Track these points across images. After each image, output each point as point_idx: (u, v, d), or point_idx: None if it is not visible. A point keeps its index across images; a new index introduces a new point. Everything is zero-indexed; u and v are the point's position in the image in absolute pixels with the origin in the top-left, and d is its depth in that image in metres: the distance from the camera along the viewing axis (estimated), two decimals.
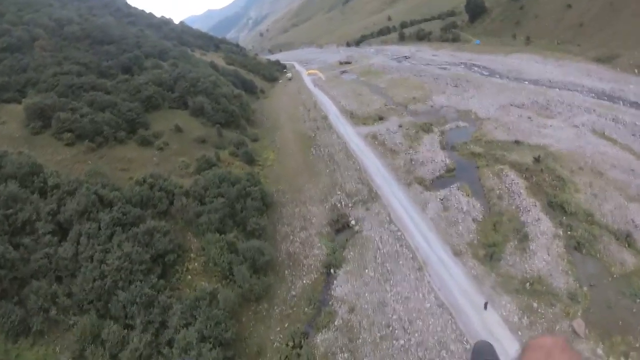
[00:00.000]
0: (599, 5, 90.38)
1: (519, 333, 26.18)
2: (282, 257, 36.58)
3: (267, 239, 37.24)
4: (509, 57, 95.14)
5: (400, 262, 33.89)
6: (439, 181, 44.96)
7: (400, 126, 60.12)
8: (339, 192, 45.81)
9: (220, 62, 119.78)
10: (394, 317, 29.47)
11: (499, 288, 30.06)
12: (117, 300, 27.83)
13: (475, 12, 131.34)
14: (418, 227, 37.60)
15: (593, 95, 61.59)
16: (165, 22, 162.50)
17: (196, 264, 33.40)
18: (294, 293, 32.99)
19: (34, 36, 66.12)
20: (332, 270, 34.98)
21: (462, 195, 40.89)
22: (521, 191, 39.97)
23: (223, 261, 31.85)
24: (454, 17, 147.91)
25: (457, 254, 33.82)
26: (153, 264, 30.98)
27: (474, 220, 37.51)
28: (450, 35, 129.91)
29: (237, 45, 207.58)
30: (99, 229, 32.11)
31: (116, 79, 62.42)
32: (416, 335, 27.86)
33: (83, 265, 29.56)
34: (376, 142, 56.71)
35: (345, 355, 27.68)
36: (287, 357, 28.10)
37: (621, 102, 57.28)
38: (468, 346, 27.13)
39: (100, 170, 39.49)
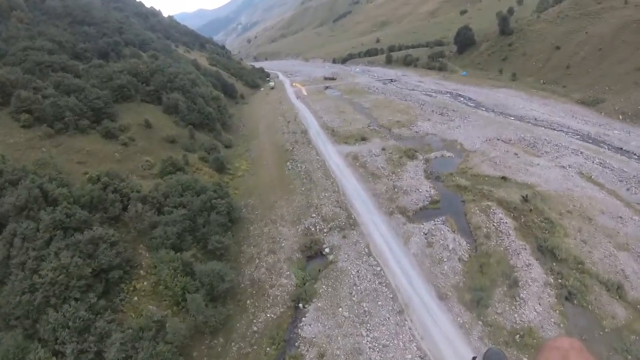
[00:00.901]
0: (588, 49, 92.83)
1: None
2: (245, 284, 32.28)
3: (229, 261, 33.02)
4: (495, 91, 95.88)
5: (379, 303, 30.39)
6: (423, 213, 42.18)
7: (383, 149, 57.61)
8: (314, 215, 42.14)
9: (203, 61, 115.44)
10: None
11: (487, 339, 27.12)
12: (46, 320, 23.13)
13: (464, 43, 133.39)
14: (400, 263, 34.36)
15: (578, 137, 61.58)
16: (154, 14, 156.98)
17: (145, 283, 28.76)
18: (255, 328, 28.72)
19: (12, 5, 60.56)
20: (301, 305, 31.00)
21: (448, 231, 38.20)
22: (510, 232, 37.70)
23: (176, 285, 27.48)
24: (442, 47, 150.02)
25: (442, 297, 30.73)
26: (94, 280, 26.51)
27: (459, 259, 34.75)
28: (437, 64, 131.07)
29: (223, 48, 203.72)
30: (37, 230, 27.07)
31: (89, 62, 57.41)
32: None
33: (13, 273, 24.79)
34: (357, 164, 53.73)
35: None
36: None
37: (606, 147, 57.26)
38: None
39: (52, 160, 34.46)
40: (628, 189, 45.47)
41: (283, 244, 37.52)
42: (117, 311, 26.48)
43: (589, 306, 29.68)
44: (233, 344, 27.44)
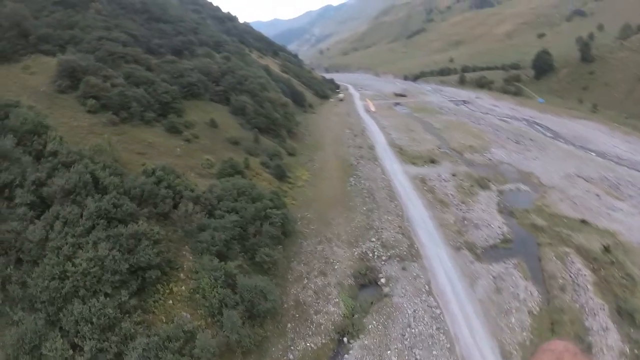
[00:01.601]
0: None
1: None
2: (288, 305, 29.71)
3: (276, 276, 30.65)
4: (574, 122, 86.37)
5: (434, 352, 26.37)
6: (493, 252, 37.27)
7: (453, 175, 52.84)
8: (374, 239, 38.76)
9: (274, 67, 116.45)
10: None
11: None
12: (71, 311, 21.72)
13: (542, 69, 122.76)
14: (462, 308, 29.99)
15: None
16: (230, 18, 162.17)
17: (183, 288, 27.11)
18: (291, 357, 26.01)
19: None
20: (345, 339, 27.78)
21: (520, 277, 33.12)
22: (588, 286, 32.12)
23: (214, 296, 25.42)
24: (518, 71, 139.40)
25: (505, 356, 26.06)
26: (130, 277, 24.87)
27: (529, 312, 29.70)
28: (512, 88, 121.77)
29: (296, 56, 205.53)
30: (80, 216, 26.20)
31: (162, 58, 58.62)
32: None
33: (47, 256, 23.69)
34: (425, 188, 49.51)
35: None
36: None
37: None
38: None
39: (109, 148, 33.61)
40: None
41: (336, 267, 34.58)
42: (148, 311, 24.90)
43: None
44: None
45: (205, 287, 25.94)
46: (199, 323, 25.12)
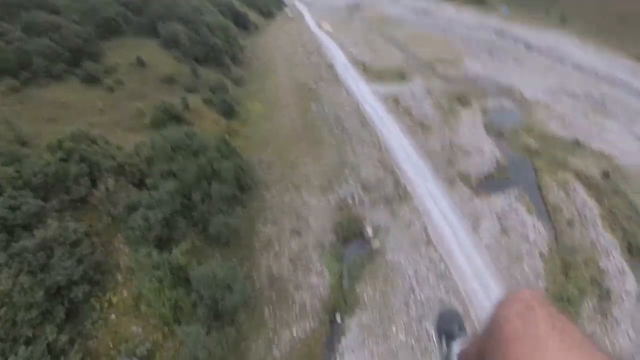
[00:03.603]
0: None
1: None
2: (261, 283, 22.65)
3: (240, 249, 23.06)
4: (544, 33, 79.91)
5: (433, 335, 20.72)
6: (490, 183, 31.84)
7: (429, 92, 45.56)
8: (351, 180, 31.54)
9: None
10: None
11: None
12: None
13: None
14: (470, 259, 24.63)
15: None
16: None
17: (125, 294, 19.20)
18: (277, 354, 19.63)
19: None
20: (338, 318, 21.64)
21: (525, 212, 28.16)
22: (596, 220, 28.32)
23: (163, 304, 17.71)
24: None
25: None
26: (51, 304, 17.11)
27: (540, 255, 25.04)
28: None
29: None
30: None
31: None
32: None
33: None
34: (400, 110, 42.01)
35: None
36: None
37: None
38: None
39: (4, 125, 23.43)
40: None
41: (310, 221, 27.47)
42: (89, 338, 17.50)
43: None
44: None
45: (148, 295, 17.95)
46: (155, 337, 17.71)
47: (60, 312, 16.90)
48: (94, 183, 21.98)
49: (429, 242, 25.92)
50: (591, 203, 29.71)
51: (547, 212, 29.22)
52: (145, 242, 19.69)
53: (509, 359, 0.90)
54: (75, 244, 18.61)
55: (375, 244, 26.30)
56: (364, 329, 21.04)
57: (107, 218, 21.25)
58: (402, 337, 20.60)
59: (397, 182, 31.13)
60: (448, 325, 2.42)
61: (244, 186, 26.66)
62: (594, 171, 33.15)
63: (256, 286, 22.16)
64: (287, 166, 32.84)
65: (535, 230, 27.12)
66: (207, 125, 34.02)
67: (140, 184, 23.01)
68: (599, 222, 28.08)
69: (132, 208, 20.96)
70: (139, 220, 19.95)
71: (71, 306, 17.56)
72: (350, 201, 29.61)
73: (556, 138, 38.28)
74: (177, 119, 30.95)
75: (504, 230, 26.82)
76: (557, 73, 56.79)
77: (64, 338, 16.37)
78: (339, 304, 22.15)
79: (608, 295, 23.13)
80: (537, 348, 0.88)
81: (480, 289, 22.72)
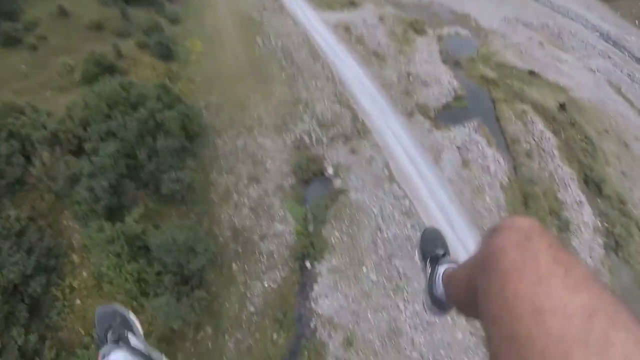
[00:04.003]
0: None
1: None
2: (224, 238, 21.22)
3: (196, 204, 21.05)
4: None
5: (416, 258, 21.08)
6: (448, 113, 31.83)
7: (381, 19, 42.89)
8: (306, 117, 29.74)
9: None
10: (414, 355, 18.21)
11: None
12: None
13: None
14: (433, 194, 24.99)
15: (598, 34, 50.78)
16: None
17: (85, 274, 17.42)
18: (252, 308, 19.26)
19: None
20: (308, 264, 21.23)
21: (486, 144, 28.64)
22: (554, 151, 29.73)
23: (125, 279, 15.94)
24: None
25: None
26: (11, 305, 15.49)
27: (501, 186, 26.07)
28: None
29: None
30: None
31: None
32: None
33: None
34: (352, 38, 39.31)
35: None
36: None
37: (627, 54, 47.53)
38: None
39: None
40: None
41: (268, 166, 25.80)
42: (59, 329, 16.02)
43: (630, 260, 24.39)
44: (227, 335, 17.95)
45: (108, 272, 15.94)
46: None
47: (22, 312, 15.39)
48: (28, 160, 18.64)
49: (391, 178, 25.69)
50: (548, 135, 30.86)
51: (505, 143, 30.02)
52: (94, 215, 17.48)
53: (507, 293, 0.79)
54: (20, 233, 16.79)
55: (337, 183, 25.60)
56: (334, 272, 20.97)
57: (49, 196, 18.69)
58: (373, 277, 20.87)
59: (354, 117, 29.87)
60: (432, 246, 2.39)
61: (192, 135, 23.79)
62: (551, 103, 34.21)
63: (220, 242, 20.77)
64: (237, 108, 29.93)
65: (495, 162, 27.86)
66: (144, 72, 29.56)
67: (78, 151, 19.76)
68: (556, 153, 29.43)
69: (73, 180, 18.23)
70: (83, 192, 17.45)
71: (32, 302, 15.95)
72: (307, 140, 28.07)
73: (513, 68, 38.58)
74: (110, 69, 26.36)
75: (465, 163, 27.24)
76: (513, 2, 56.04)
77: (33, 338, 15.08)
78: (307, 250, 21.69)
79: (567, 226, 24.85)
80: (540, 283, 0.76)
81: (447, 224, 23.26)
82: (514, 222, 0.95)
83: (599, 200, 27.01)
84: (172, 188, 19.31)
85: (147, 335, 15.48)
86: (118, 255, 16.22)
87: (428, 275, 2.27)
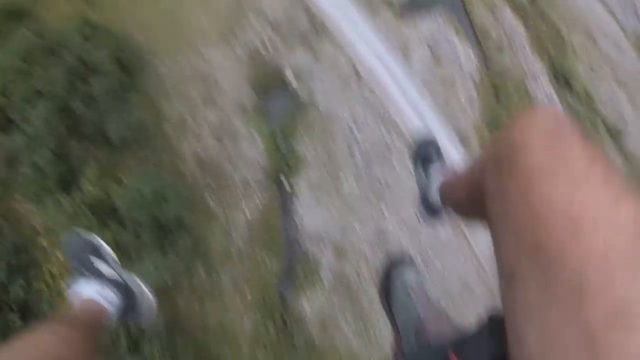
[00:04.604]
0: None
1: None
2: (193, 174, 19.57)
3: (153, 145, 18.89)
4: None
5: (395, 164, 21.32)
6: (413, 5, 29.05)
7: None
8: (254, 19, 26.08)
9: None
10: None
11: None
12: None
13: None
14: (406, 94, 24.14)
15: None
16: None
17: (60, 256, 15.72)
18: (239, 241, 18.78)
19: None
20: (286, 185, 20.53)
21: (455, 37, 27.18)
22: (524, 44, 29.19)
23: None
24: None
25: (465, 143, 23.12)
26: (3, 323, 14.36)
27: (473, 82, 25.58)
28: None
29: None
30: None
31: None
32: (435, 274, 19.66)
33: None
34: None
35: (350, 320, 18.70)
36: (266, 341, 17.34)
37: None
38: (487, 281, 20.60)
39: None
40: (623, 12, 36.69)
41: (222, 83, 23.18)
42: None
43: None
44: (220, 272, 17.61)
45: None
46: None
47: (16, 322, 14.01)
48: None
49: (360, 80, 24.25)
50: (519, 28, 29.65)
51: (476, 37, 28.68)
52: (47, 193, 15.00)
53: (532, 198, 0.63)
54: None
55: (302, 92, 23.84)
56: (314, 189, 20.63)
57: None
58: (355, 188, 20.76)
59: (310, 14, 26.69)
60: (425, 152, 2.30)
61: (129, 67, 19.98)
62: None
63: (188, 179, 19.23)
64: (173, 22, 25.43)
65: (466, 56, 26.98)
66: (60, 8, 23.51)
67: (7, 125, 16.07)
68: (527, 47, 28.69)
69: (11, 160, 15.05)
70: (27, 170, 14.73)
71: (20, 306, 14.51)
72: (260, 47, 25.12)
73: None
74: (20, 16, 20.43)
75: (436, 59, 26.02)
76: None
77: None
78: (283, 170, 20.88)
79: None
80: (577, 189, 0.61)
81: (422, 125, 22.83)
82: (538, 116, 0.74)
83: (568, 95, 27.56)
84: (122, 134, 16.80)
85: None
86: (87, 227, 14.48)
87: (422, 181, 2.22)
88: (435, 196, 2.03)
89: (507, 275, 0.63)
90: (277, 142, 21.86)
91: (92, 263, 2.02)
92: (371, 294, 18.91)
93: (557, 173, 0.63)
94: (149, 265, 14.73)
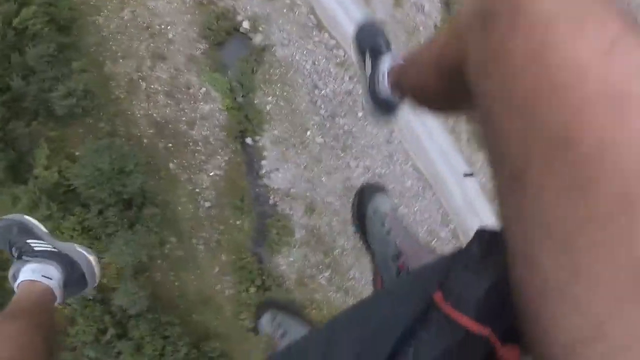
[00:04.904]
0: None
1: None
2: (149, 139, 18.53)
3: (103, 110, 17.41)
4: None
5: (359, 114, 21.18)
6: None
7: None
8: None
9: None
10: None
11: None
12: None
13: None
14: None
15: None
16: None
17: None
18: (206, 204, 18.43)
19: None
20: (248, 140, 20.01)
21: None
22: None
23: (71, 236, 14.43)
24: None
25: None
26: None
27: (435, 27, 25.03)
28: None
29: None
30: None
31: None
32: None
33: None
34: None
35: (327, 274, 19.53)
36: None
37: None
38: (452, 226, 21.75)
39: None
40: None
41: (170, 35, 21.29)
42: None
43: None
44: (192, 239, 17.43)
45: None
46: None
47: None
48: None
49: (320, 25, 23.00)
50: None
51: None
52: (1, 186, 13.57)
53: (549, 63, 0.41)
54: None
55: (258, 39, 22.40)
56: (279, 143, 20.30)
57: None
58: (319, 139, 20.62)
59: None
60: (371, 39, 2.04)
61: (65, 26, 17.50)
62: None
63: (145, 144, 18.23)
64: None
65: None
66: None
67: None
68: None
69: None
70: None
71: None
72: None
73: None
74: None
75: (398, 2, 24.77)
76: None
77: None
78: (244, 125, 20.21)
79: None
80: (614, 44, 0.40)
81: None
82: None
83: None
84: (67, 104, 15.16)
85: (121, 275, 14.48)
86: (49, 217, 13.45)
87: (368, 73, 1.99)
88: (385, 88, 1.77)
89: (510, 175, 0.45)
90: (234, 95, 20.84)
91: (26, 243, 1.92)
92: (344, 245, 19.63)
93: (583, 23, 0.41)
94: (121, 248, 14.28)
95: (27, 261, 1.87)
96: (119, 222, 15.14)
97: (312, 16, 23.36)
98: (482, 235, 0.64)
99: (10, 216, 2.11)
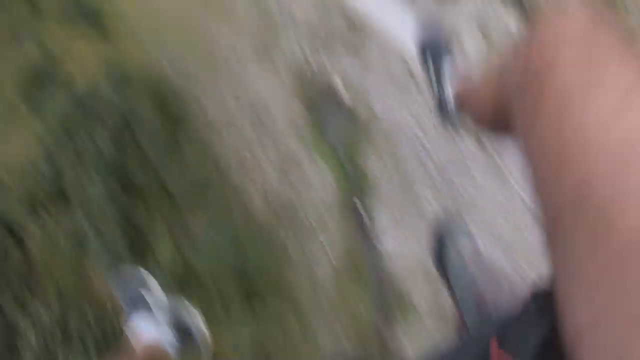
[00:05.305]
0: None
1: None
2: (261, 213, 19.05)
3: (212, 188, 18.31)
4: None
5: (470, 165, 19.75)
6: None
7: None
8: (290, 30, 24.58)
9: None
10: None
11: None
12: None
13: None
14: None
15: None
16: None
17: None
18: (324, 278, 17.82)
19: None
20: (360, 208, 19.65)
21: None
22: None
23: None
24: None
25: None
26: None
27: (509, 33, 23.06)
28: None
29: None
30: None
31: None
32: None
33: None
34: None
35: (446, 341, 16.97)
36: None
37: None
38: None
39: None
40: None
41: (270, 108, 20.92)
42: None
43: None
44: (310, 316, 17.18)
45: None
46: None
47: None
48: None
49: (414, 78, 22.52)
50: None
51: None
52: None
53: (566, 127, 0.46)
54: None
55: (355, 101, 22.48)
56: (389, 206, 19.54)
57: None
58: (432, 201, 19.61)
59: (343, 13, 25.01)
60: (434, 42, 2.00)
61: (170, 110, 18.74)
62: None
63: (259, 220, 18.78)
64: (203, 48, 24.46)
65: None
66: (84, 58, 22.61)
67: (64, 202, 15.53)
68: None
69: (79, 241, 14.64)
70: (96, 248, 14.07)
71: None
72: (303, 63, 23.75)
73: None
74: (49, 78, 19.08)
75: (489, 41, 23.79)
76: None
77: None
78: (353, 191, 19.88)
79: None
80: (619, 111, 0.43)
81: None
82: (566, 22, 0.55)
83: None
84: (182, 185, 16.14)
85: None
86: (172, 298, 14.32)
87: (433, 80, 1.90)
88: (450, 103, 1.80)
89: (550, 225, 0.46)
90: (341, 161, 21.07)
91: (144, 297, 2.02)
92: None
93: (593, 96, 0.46)
94: (243, 331, 14.40)
95: (149, 318, 1.94)
96: (239, 304, 15.32)
97: (406, 69, 23.14)
98: (537, 294, 0.63)
99: (131, 267, 2.29)
